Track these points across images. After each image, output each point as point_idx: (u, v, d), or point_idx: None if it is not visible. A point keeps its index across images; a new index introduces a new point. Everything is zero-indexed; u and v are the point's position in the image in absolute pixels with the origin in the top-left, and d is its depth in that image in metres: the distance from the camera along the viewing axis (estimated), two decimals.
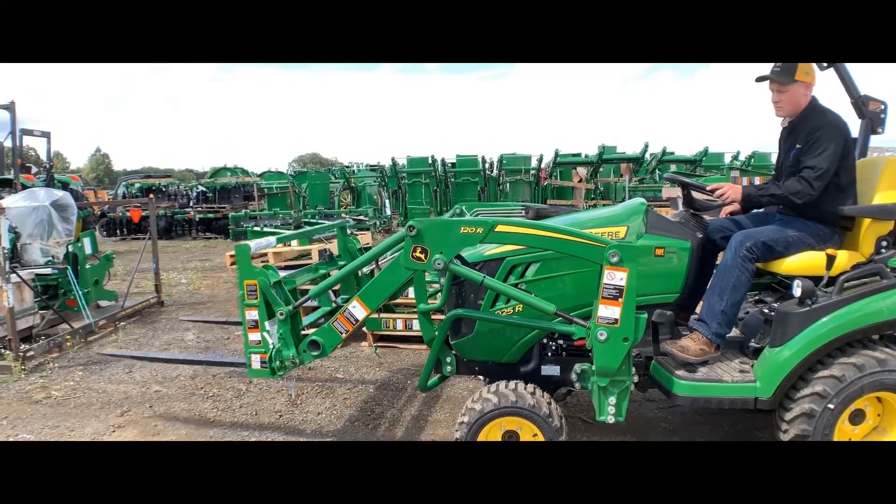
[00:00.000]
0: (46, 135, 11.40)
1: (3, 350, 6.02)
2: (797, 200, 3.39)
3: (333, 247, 5.37)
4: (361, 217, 16.95)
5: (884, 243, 3.48)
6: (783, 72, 3.53)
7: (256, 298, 3.42)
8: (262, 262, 6.78)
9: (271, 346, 3.44)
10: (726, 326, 3.44)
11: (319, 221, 9.74)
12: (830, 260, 3.32)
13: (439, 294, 3.81)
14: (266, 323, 3.44)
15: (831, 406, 3.14)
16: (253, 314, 3.44)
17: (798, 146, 3.54)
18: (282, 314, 3.42)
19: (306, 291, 3.94)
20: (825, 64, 4.15)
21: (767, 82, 3.64)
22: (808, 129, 3.50)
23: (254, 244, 3.61)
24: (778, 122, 3.87)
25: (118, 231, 20.74)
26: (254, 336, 3.47)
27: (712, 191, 3.63)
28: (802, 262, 3.41)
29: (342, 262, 4.44)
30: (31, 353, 6.11)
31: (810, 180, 3.35)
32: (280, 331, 3.43)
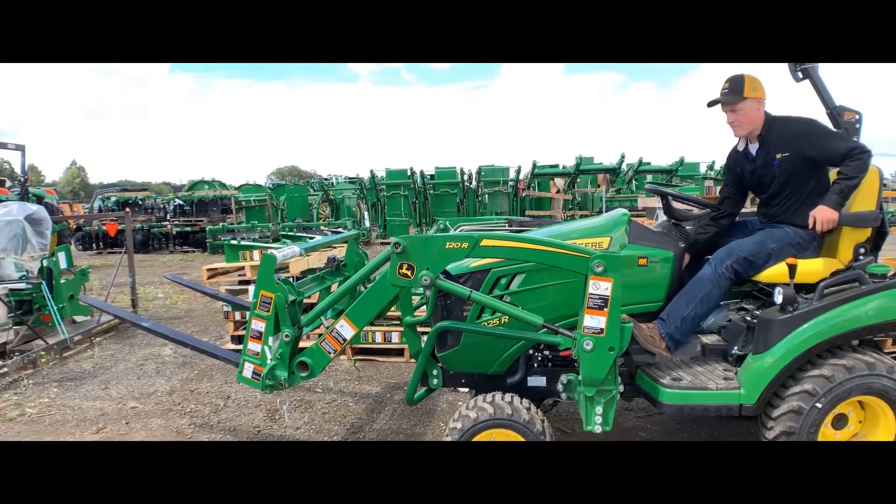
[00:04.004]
0: (21, 148, 11.18)
1: None
2: (863, 176, 3.42)
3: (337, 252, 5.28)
4: (340, 229, 16.88)
5: (861, 250, 3.52)
6: (731, 92, 3.59)
7: (268, 311, 3.36)
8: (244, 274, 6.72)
9: (269, 362, 3.39)
10: (683, 334, 3.50)
11: (298, 234, 9.66)
12: (792, 269, 3.36)
13: (424, 306, 3.79)
14: (270, 338, 3.39)
15: (819, 405, 3.17)
16: (260, 325, 3.39)
17: (783, 154, 3.58)
18: (287, 336, 3.38)
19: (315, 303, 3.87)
20: (800, 75, 4.21)
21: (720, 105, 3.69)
22: (786, 134, 3.59)
23: (280, 254, 3.53)
24: None
25: (94, 245, 20.44)
26: (254, 346, 3.42)
27: (813, 225, 3.47)
28: (781, 271, 3.44)
29: (347, 273, 4.39)
30: (5, 369, 5.98)
31: (863, 151, 3.39)
32: (280, 350, 3.37)
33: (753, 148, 3.78)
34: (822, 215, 3.39)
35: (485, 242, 3.06)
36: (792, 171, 3.60)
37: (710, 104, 3.70)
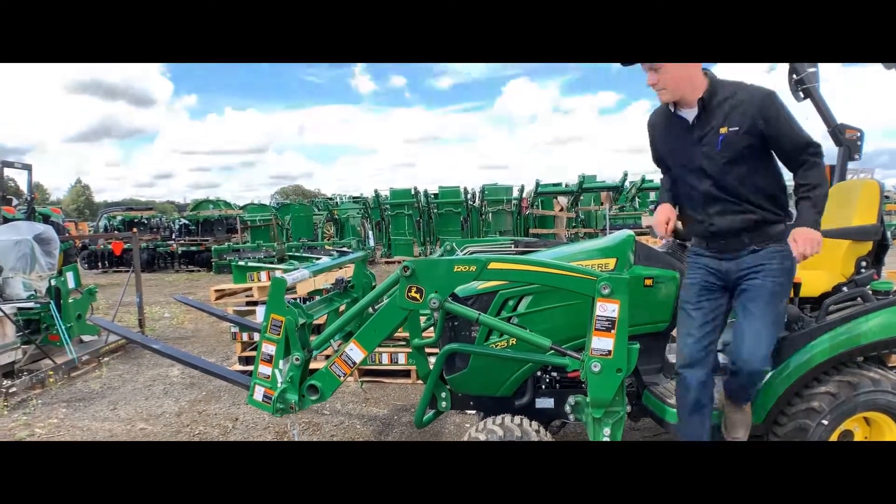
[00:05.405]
0: (28, 167, 11.33)
1: None
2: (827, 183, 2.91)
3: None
4: (345, 249, 16.92)
5: (863, 264, 3.54)
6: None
7: (279, 334, 3.37)
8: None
9: (279, 385, 3.40)
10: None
11: (304, 255, 9.74)
12: (797, 287, 3.39)
13: (430, 328, 3.82)
14: (280, 361, 3.40)
15: (825, 422, 3.18)
16: (270, 348, 3.41)
17: (731, 128, 2.82)
18: (297, 359, 3.38)
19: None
20: (801, 95, 4.27)
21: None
22: (739, 101, 2.82)
23: (290, 277, 3.54)
24: None
25: (100, 264, 20.56)
26: (264, 369, 3.42)
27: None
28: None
29: (355, 295, 4.42)
30: (14, 389, 5.99)
31: (820, 153, 2.85)
32: (291, 374, 3.38)
33: (689, 115, 2.96)
34: (807, 236, 2.74)
35: (492, 266, 3.10)
36: (740, 152, 2.85)
37: (626, 63, 2.84)
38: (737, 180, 2.91)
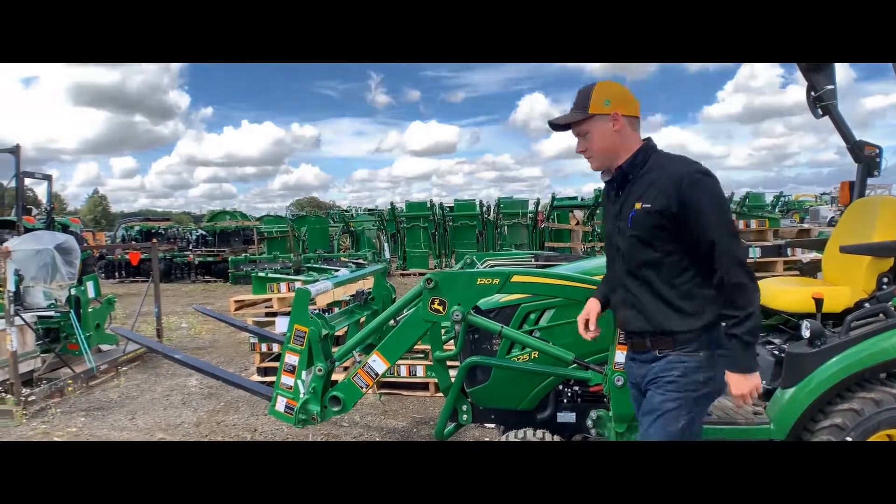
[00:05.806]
0: (48, 177, 11.45)
1: (3, 394, 5.97)
2: (758, 314, 2.29)
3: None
4: (361, 261, 16.98)
5: (885, 279, 3.52)
6: (574, 108, 2.51)
7: (302, 345, 3.39)
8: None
9: (301, 396, 3.41)
10: None
11: (322, 266, 9.78)
12: (818, 303, 3.37)
13: (450, 340, 3.82)
14: (303, 372, 3.41)
15: (849, 439, 3.15)
16: (293, 359, 3.42)
17: (645, 205, 2.35)
18: (320, 370, 3.39)
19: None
20: (819, 112, 4.25)
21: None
22: (662, 174, 2.36)
23: (314, 289, 3.57)
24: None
25: (117, 273, 20.74)
26: (287, 380, 3.43)
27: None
28: (807, 302, 3.43)
29: (375, 307, 4.44)
30: (33, 397, 6.05)
31: (748, 272, 2.27)
32: (313, 384, 3.40)
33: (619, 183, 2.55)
34: (741, 386, 2.31)
35: (515, 279, 3.11)
36: (651, 233, 2.37)
37: (553, 125, 2.60)
38: (646, 267, 2.41)
